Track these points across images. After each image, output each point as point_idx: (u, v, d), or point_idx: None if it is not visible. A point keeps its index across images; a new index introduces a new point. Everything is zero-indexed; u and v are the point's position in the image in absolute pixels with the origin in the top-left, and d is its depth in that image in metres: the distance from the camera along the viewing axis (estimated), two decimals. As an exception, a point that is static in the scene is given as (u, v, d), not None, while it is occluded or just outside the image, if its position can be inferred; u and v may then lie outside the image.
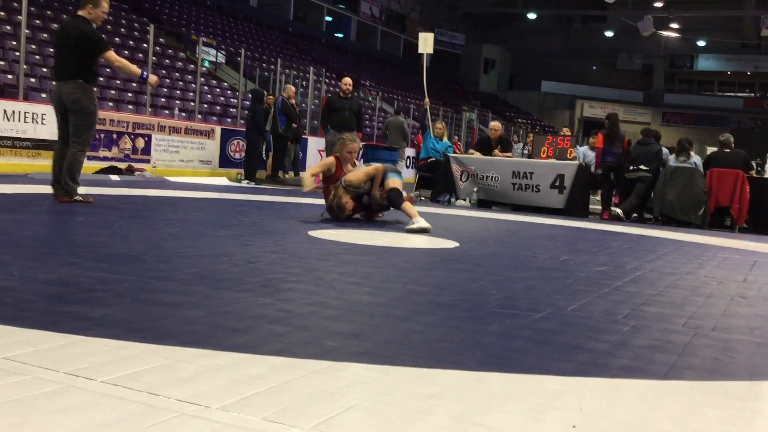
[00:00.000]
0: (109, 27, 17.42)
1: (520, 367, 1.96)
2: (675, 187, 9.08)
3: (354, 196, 6.14)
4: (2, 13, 14.63)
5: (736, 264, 5.18)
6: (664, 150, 9.90)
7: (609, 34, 43.56)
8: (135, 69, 6.30)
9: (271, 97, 13.57)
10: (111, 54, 6.16)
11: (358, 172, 6.19)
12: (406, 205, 6.12)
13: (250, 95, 13.59)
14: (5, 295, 2.37)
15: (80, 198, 6.08)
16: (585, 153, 10.37)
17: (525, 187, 9.74)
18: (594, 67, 45.61)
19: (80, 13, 6.18)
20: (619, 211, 9.27)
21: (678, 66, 44.47)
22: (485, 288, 3.24)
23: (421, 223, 5.74)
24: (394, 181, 6.26)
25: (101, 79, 14.27)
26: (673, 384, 1.94)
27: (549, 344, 2.26)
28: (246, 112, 13.96)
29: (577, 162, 9.73)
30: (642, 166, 9.43)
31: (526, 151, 13.14)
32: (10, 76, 12.23)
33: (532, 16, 41.89)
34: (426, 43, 11.27)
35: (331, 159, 6.30)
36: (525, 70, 45.03)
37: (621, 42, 43.23)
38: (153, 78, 6.42)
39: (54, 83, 6.23)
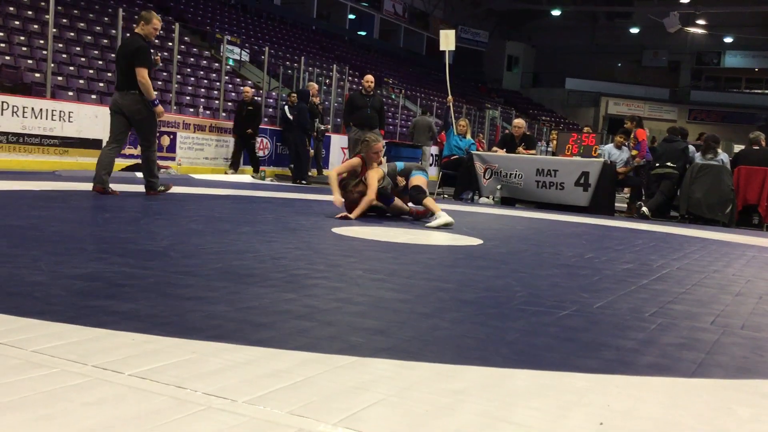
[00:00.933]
0: (135, 26, 17.59)
1: (545, 364, 1.95)
2: (702, 185, 8.98)
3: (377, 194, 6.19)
4: (30, 12, 14.83)
5: (765, 262, 5.11)
6: (691, 147, 9.79)
7: (634, 30, 43.13)
8: (152, 94, 6.84)
9: (316, 98, 13.73)
10: (142, 71, 6.74)
11: (378, 173, 6.24)
12: (428, 201, 6.13)
13: (294, 95, 13.56)
14: (34, 290, 2.40)
15: (162, 188, 7.01)
16: (610, 151, 10.27)
17: (549, 185, 9.67)
18: (619, 64, 45.19)
19: (136, 29, 7.11)
20: (645, 208, 9.18)
21: (705, 63, 43.92)
22: (510, 285, 3.22)
23: (443, 218, 5.76)
24: (417, 179, 6.29)
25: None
26: (701, 382, 1.91)
27: (575, 341, 2.24)
28: (282, 111, 14.18)
29: (602, 159, 9.65)
30: (669, 163, 9.33)
31: (550, 149, 13.05)
32: (37, 75, 12.39)
33: (556, 12, 41.61)
34: (447, 40, 11.23)
35: (357, 160, 6.29)
36: (549, 67, 44.74)
37: (647, 38, 42.79)
38: (160, 109, 6.92)
39: (115, 91, 6.99)
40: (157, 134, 7.22)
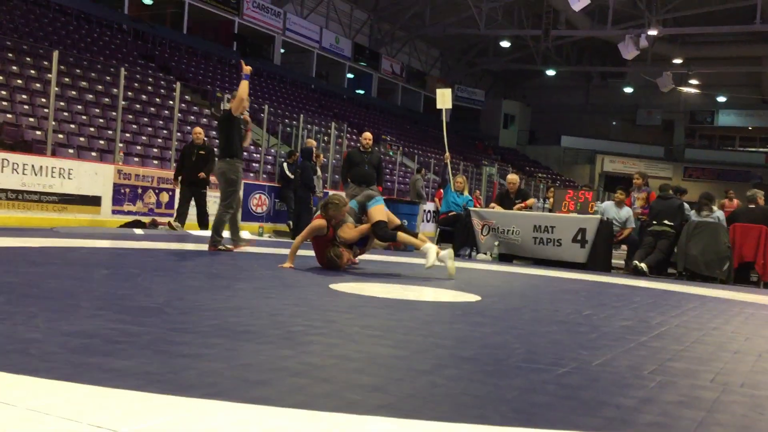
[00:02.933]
0: (136, 84, 17.88)
1: (545, 423, 1.93)
2: (699, 242, 9.00)
3: (348, 247, 6.35)
4: (32, 72, 15.07)
5: (763, 320, 5.09)
6: (685, 204, 9.85)
7: (628, 90, 43.85)
8: (242, 84, 7.50)
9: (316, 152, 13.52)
10: (234, 101, 7.55)
11: (353, 230, 6.34)
12: (401, 236, 6.17)
13: (297, 154, 13.62)
14: (30, 347, 2.39)
15: (223, 248, 7.53)
16: (609, 209, 10.32)
17: (546, 241, 9.70)
18: (614, 123, 45.80)
19: (228, 105, 7.85)
20: (642, 265, 9.18)
21: (698, 121, 44.50)
22: (508, 342, 3.21)
23: (431, 254, 5.83)
24: (375, 211, 6.35)
25: (127, 134, 14.57)
26: (702, 441, 1.89)
27: (574, 399, 2.22)
28: (281, 168, 14.08)
29: (598, 216, 9.69)
30: (665, 221, 9.38)
31: (546, 206, 13.12)
32: (38, 132, 12.52)
33: (551, 72, 42.33)
34: (444, 98, 11.39)
35: (321, 222, 6.25)
36: (544, 125, 45.31)
37: (640, 98, 43.50)
38: (247, 68, 7.59)
39: None
40: (236, 195, 7.70)
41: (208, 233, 8.26)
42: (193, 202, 11.07)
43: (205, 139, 12.14)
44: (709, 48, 37.10)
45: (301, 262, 6.74)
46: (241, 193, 7.91)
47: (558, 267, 9.21)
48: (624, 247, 10.58)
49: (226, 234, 7.73)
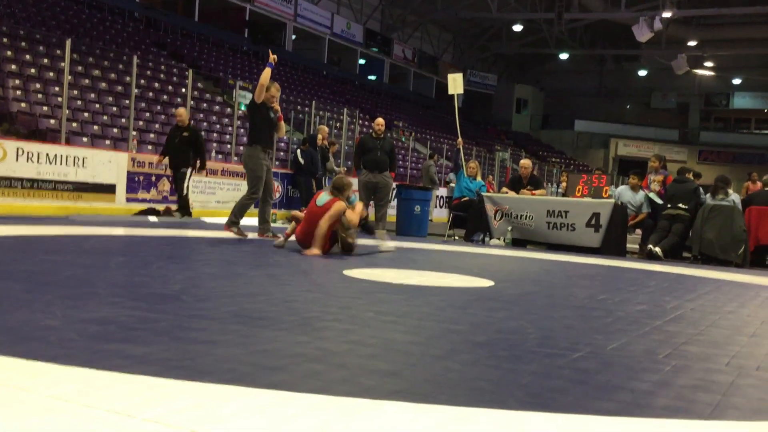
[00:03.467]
0: (149, 72, 17.91)
1: (559, 407, 1.94)
2: (714, 226, 8.94)
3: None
4: (46, 60, 15.12)
5: (780, 303, 5.06)
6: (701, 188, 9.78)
7: (642, 73, 43.50)
8: (265, 71, 7.55)
9: (321, 137, 13.43)
10: (258, 86, 7.58)
11: (355, 214, 6.56)
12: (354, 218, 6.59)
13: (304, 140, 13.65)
14: (48, 334, 2.42)
15: (236, 231, 7.59)
16: (622, 193, 10.26)
17: (560, 226, 9.66)
18: (628, 106, 45.46)
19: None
20: (657, 249, 9.13)
21: (714, 104, 44.11)
22: (522, 327, 3.21)
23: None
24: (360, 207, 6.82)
25: (140, 122, 14.62)
26: (717, 424, 1.89)
27: (589, 384, 2.23)
28: (294, 155, 14.04)
29: (612, 200, 9.64)
30: (680, 205, 9.32)
31: (560, 190, 13.06)
32: (52, 121, 12.58)
33: (564, 56, 42.05)
34: (455, 83, 11.34)
35: (342, 204, 6.40)
36: (558, 109, 45.06)
37: (655, 81, 43.13)
38: (273, 56, 7.68)
39: None
40: (259, 183, 7.76)
41: (219, 220, 8.30)
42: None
43: (192, 121, 11.54)
44: (724, 29, 36.69)
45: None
46: (273, 181, 7.93)
47: (572, 252, 9.18)
48: (638, 231, 10.53)
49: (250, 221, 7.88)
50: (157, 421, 1.59)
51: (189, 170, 10.66)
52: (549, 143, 43.41)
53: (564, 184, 11.35)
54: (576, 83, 45.04)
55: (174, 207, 11.02)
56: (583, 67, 44.91)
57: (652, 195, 10.12)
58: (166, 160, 10.82)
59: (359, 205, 6.87)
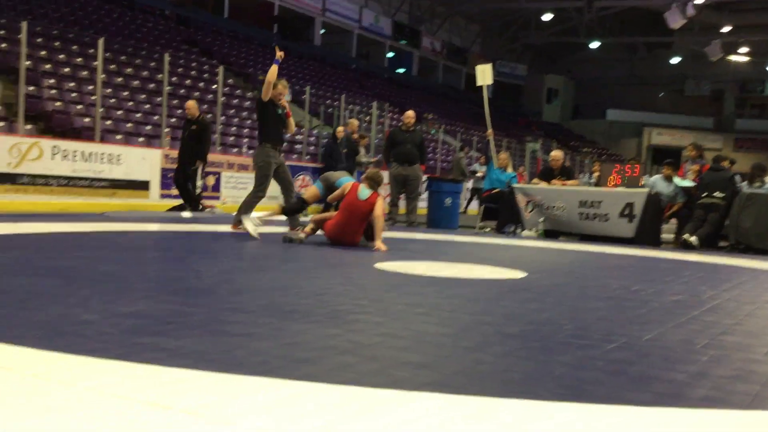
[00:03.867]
0: (180, 70, 18.09)
1: (594, 398, 1.92)
2: (750, 214, 8.78)
3: None
4: (79, 59, 15.35)
5: (820, 292, 4.95)
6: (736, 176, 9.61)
7: (675, 60, 42.77)
8: (271, 69, 7.41)
9: (340, 129, 13.36)
10: (265, 84, 7.48)
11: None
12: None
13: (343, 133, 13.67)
14: (86, 328, 2.46)
15: (242, 229, 7.28)
16: (656, 183, 10.12)
17: (593, 217, 9.56)
18: (661, 94, 44.77)
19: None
20: (693, 239, 9.00)
21: (749, 90, 43.23)
22: (555, 318, 3.18)
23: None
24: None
25: (172, 119, 14.78)
26: (757, 414, 1.86)
27: (624, 375, 2.20)
28: (324, 149, 14.08)
29: (646, 189, 9.51)
30: (716, 193, 9.16)
31: (592, 180, 12.92)
32: (87, 119, 12.78)
33: (594, 45, 41.52)
34: (484, 75, 11.27)
35: (381, 199, 6.49)
36: (589, 98, 44.55)
37: (688, 68, 42.39)
38: (279, 53, 7.52)
39: None
40: (265, 183, 7.65)
41: (252, 215, 8.33)
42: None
43: (202, 114, 10.95)
44: (759, 14, 35.84)
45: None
46: (289, 175, 7.90)
47: (605, 242, 9.08)
48: (673, 220, 10.38)
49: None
50: (192, 412, 1.60)
51: (201, 165, 10.36)
52: (580, 133, 42.96)
53: (597, 174, 11.20)
54: (607, 72, 44.46)
55: (206, 203, 11.12)
56: (615, 56, 44.30)
57: (679, 180, 9.97)
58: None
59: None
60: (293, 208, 6.52)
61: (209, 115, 15.83)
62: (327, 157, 12.75)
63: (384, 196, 6.70)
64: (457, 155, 17.98)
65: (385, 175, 9.09)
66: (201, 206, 10.92)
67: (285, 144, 11.53)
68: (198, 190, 10.40)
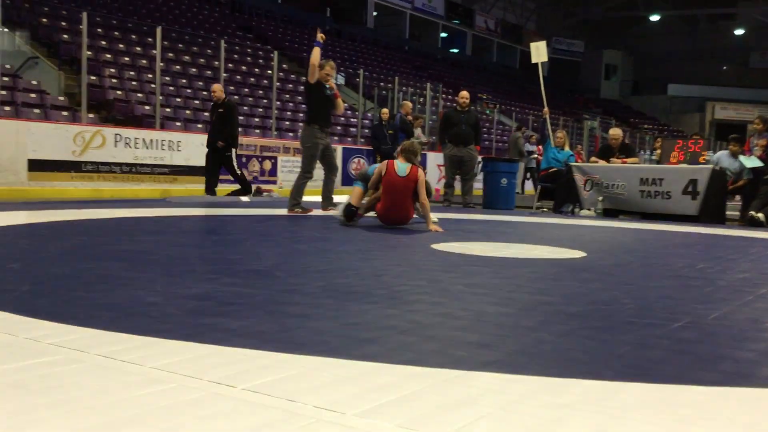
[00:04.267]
0: (236, 56, 18.30)
1: (659, 378, 1.88)
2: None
3: None
4: (138, 48, 15.67)
5: None
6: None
7: (739, 32, 41.27)
8: (314, 51, 7.59)
9: (385, 111, 13.28)
10: (310, 67, 7.67)
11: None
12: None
13: (397, 115, 13.64)
14: (151, 310, 2.52)
15: (300, 210, 7.67)
16: (720, 158, 9.81)
17: (654, 194, 9.34)
18: (724, 67, 43.29)
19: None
20: (760, 215, 8.71)
21: (817, 61, 41.49)
22: (617, 297, 3.13)
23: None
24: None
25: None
26: (832, 395, 1.79)
27: (690, 354, 2.15)
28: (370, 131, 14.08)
29: (710, 166, 9.24)
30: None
31: (653, 157, 12.61)
32: (147, 107, 13.05)
33: (654, 18, 40.37)
34: (538, 52, 11.08)
35: (422, 171, 6.40)
36: (649, 74, 43.40)
37: (753, 39, 40.87)
38: (320, 35, 7.69)
39: None
40: (312, 164, 7.78)
41: (309, 198, 8.40)
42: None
43: (228, 97, 10.78)
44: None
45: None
46: (337, 160, 7.95)
47: (667, 221, 8.87)
48: (737, 197, 10.07)
49: (310, 198, 7.96)
50: (256, 391, 1.63)
51: (234, 151, 10.19)
52: (640, 109, 41.95)
53: (658, 151, 10.93)
54: (668, 46, 43.18)
55: (264, 188, 11.26)
56: (675, 29, 42.99)
57: (744, 159, 9.62)
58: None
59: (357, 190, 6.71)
60: (347, 215, 6.53)
61: (265, 101, 16.00)
62: (373, 139, 12.78)
63: (439, 177, 6.61)
64: (514, 135, 17.75)
65: (437, 156, 9.04)
66: (259, 189, 11.06)
67: (334, 126, 11.46)
68: (238, 172, 10.31)
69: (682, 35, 43.39)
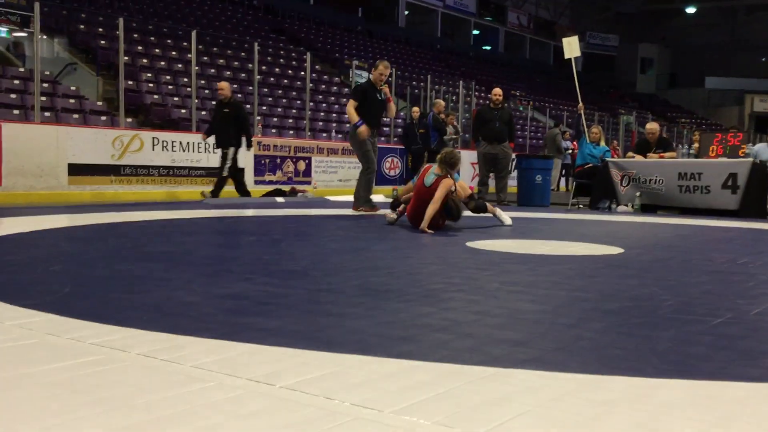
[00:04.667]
0: (269, 58, 18.43)
1: (701, 374, 1.85)
2: None
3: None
4: (174, 53, 15.88)
5: None
6: None
7: (779, 21, 40.37)
8: (354, 118, 7.67)
9: (416, 109, 13.19)
10: (349, 104, 7.83)
11: (463, 190, 6.52)
12: (489, 207, 6.68)
13: (429, 114, 13.64)
14: (189, 309, 2.56)
15: (368, 209, 7.75)
16: (760, 151, 9.62)
17: (693, 189, 9.19)
18: (763, 59, 42.37)
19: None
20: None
21: None
22: (656, 294, 3.08)
23: (504, 216, 6.56)
24: (460, 184, 6.54)
25: (263, 107, 15.09)
26: None
27: (732, 350, 2.11)
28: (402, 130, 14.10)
29: (750, 159, 9.06)
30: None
31: (692, 151, 12.40)
32: (183, 110, 13.22)
33: (691, 10, 39.70)
34: (571, 47, 10.98)
35: (450, 183, 5.99)
36: (686, 67, 42.68)
37: (794, 29, 39.94)
38: (361, 129, 7.59)
39: None
40: (368, 157, 7.81)
41: (342, 198, 8.43)
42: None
43: (234, 96, 10.48)
44: None
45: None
46: (375, 158, 7.94)
47: (707, 216, 8.71)
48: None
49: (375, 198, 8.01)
50: (294, 389, 1.64)
51: (232, 150, 9.70)
52: (677, 103, 41.27)
53: (696, 145, 10.74)
54: (705, 38, 42.42)
55: (298, 188, 11.32)
56: (713, 20, 42.21)
57: None
58: (211, 138, 10.06)
59: (463, 184, 6.69)
60: (391, 206, 6.65)
61: (299, 102, 16.08)
62: (404, 138, 12.81)
63: (473, 175, 6.54)
64: (552, 131, 17.55)
65: (471, 154, 8.93)
66: (294, 190, 11.12)
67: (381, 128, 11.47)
68: (224, 173, 9.72)
69: (720, 27, 42.58)
